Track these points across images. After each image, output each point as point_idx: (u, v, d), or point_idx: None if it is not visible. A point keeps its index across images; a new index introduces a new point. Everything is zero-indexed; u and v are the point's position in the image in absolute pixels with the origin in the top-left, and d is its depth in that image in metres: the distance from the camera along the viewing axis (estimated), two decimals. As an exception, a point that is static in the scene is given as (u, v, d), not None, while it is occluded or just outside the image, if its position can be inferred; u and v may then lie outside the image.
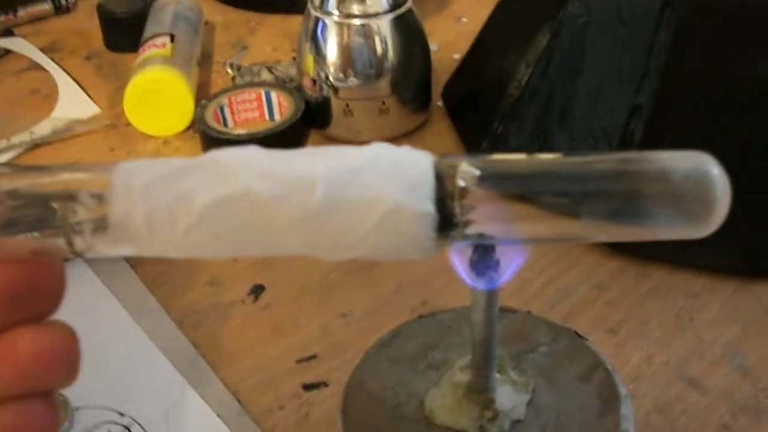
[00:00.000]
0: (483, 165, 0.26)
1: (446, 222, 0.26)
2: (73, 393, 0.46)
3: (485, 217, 0.26)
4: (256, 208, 0.25)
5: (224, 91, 0.69)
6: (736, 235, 0.49)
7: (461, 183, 0.26)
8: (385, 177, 0.25)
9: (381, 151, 0.26)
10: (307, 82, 0.68)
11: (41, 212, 0.25)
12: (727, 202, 0.25)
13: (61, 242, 0.25)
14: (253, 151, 0.26)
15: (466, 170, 0.26)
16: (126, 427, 0.45)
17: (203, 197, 0.25)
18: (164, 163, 0.26)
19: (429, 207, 0.25)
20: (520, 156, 0.28)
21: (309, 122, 0.68)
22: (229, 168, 0.25)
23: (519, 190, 0.26)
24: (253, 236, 0.25)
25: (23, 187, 0.25)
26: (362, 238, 0.25)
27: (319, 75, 0.66)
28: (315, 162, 0.25)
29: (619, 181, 0.26)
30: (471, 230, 0.26)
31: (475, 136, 0.63)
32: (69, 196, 0.25)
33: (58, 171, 0.26)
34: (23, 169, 0.26)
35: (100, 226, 0.25)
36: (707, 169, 0.25)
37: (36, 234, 0.25)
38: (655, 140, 0.52)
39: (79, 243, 0.25)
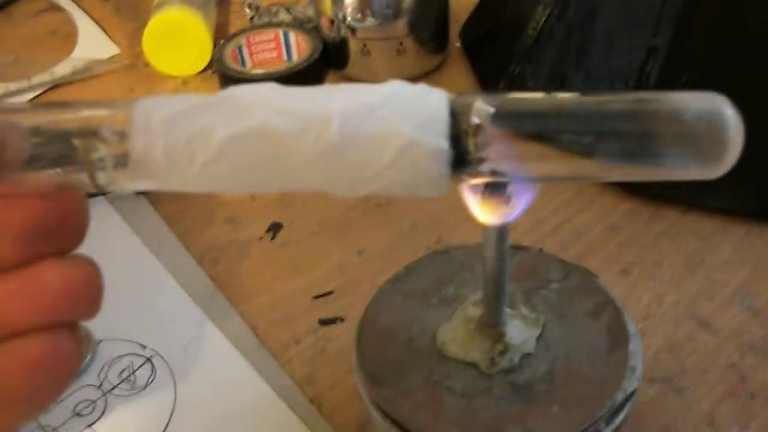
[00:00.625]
0: (498, 103, 0.26)
1: (460, 158, 0.26)
2: (96, 326, 0.47)
3: (499, 155, 0.26)
4: (272, 143, 0.25)
5: (242, 32, 0.70)
6: (748, 178, 0.49)
7: (476, 120, 0.26)
8: (400, 113, 0.26)
9: (397, 88, 0.26)
10: (324, 23, 0.68)
11: (63, 148, 0.25)
12: (739, 142, 0.25)
13: (83, 177, 0.25)
14: (271, 88, 0.26)
15: (481, 108, 0.26)
16: (147, 359, 0.46)
17: (221, 132, 0.25)
18: (183, 99, 0.26)
19: (443, 143, 0.25)
20: (535, 94, 0.28)
21: (327, 63, 0.68)
22: (246, 104, 0.25)
23: (533, 128, 0.26)
24: (270, 171, 0.26)
25: (45, 124, 0.25)
26: (377, 174, 0.26)
27: (336, 15, 0.66)
28: (331, 98, 0.26)
29: (632, 120, 0.26)
30: (484, 167, 0.26)
31: (492, 77, 0.63)
32: (90, 132, 0.25)
33: (78, 107, 0.26)
34: (44, 105, 0.27)
35: (121, 161, 0.25)
36: (721, 109, 0.25)
37: (59, 170, 0.25)
38: (671, 82, 0.52)
39: (101, 178, 0.25)
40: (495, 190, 0.30)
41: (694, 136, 0.26)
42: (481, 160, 0.26)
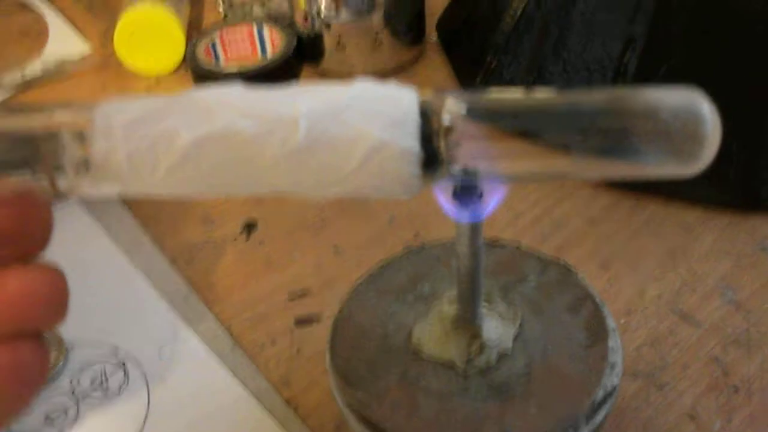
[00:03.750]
0: (469, 101, 0.26)
1: (431, 159, 0.25)
2: (68, 331, 0.46)
3: (471, 154, 0.26)
4: (238, 146, 0.25)
5: (215, 28, 0.69)
6: (730, 168, 0.49)
7: (447, 120, 0.25)
8: (369, 114, 0.25)
9: (365, 88, 0.26)
10: (299, 17, 0.67)
11: (22, 152, 0.25)
12: (717, 139, 0.25)
13: (43, 183, 0.25)
14: (235, 90, 0.25)
15: (452, 107, 0.25)
16: (121, 364, 0.45)
17: (185, 136, 0.24)
18: (146, 101, 0.25)
19: (413, 144, 0.25)
20: (508, 92, 0.27)
21: (302, 57, 0.67)
22: (210, 106, 0.25)
23: (506, 127, 0.26)
24: (236, 174, 0.25)
25: (2, 127, 0.25)
26: (346, 176, 0.25)
27: (311, 9, 0.65)
28: (298, 100, 0.25)
29: (607, 118, 0.26)
30: (456, 167, 0.26)
31: (469, 70, 0.63)
32: (50, 136, 0.25)
33: (38, 110, 0.25)
34: (2, 109, 0.26)
35: (83, 166, 0.25)
36: (697, 106, 0.25)
37: (18, 174, 0.25)
38: (649, 72, 0.51)
39: (62, 183, 0.25)
40: (466, 185, 0.30)
41: (669, 133, 0.25)
42: (452, 160, 0.26)
